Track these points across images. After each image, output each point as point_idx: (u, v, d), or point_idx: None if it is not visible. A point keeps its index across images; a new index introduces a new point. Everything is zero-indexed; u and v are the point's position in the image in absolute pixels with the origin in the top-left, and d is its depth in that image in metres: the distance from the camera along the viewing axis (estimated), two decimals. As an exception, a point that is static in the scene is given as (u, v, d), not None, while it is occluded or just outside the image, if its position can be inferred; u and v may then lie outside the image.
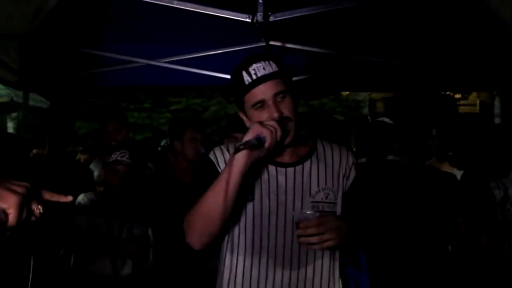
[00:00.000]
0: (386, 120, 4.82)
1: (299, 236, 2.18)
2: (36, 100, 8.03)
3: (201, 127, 4.57)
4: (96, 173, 4.67)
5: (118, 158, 3.99)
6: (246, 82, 2.18)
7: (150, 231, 4.44)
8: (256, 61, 2.20)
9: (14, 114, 11.05)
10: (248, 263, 2.32)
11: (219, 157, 2.34)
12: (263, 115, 2.19)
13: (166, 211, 4.39)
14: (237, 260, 2.35)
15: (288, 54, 5.44)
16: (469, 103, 16.61)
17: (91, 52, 5.35)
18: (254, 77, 2.17)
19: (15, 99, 9.32)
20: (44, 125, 4.47)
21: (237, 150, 2.06)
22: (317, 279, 2.35)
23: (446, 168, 5.05)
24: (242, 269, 2.33)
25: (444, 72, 5.45)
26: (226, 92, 13.25)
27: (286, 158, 2.36)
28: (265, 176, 2.32)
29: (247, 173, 2.14)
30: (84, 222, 3.88)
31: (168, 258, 4.35)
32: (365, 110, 16.64)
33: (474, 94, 16.02)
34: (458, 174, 4.94)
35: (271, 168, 2.33)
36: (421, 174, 4.23)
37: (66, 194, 4.17)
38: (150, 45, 5.49)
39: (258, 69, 2.18)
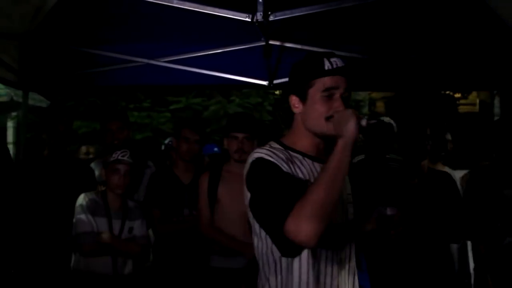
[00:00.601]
0: (386, 119, 4.82)
1: (392, 228, 2.37)
2: (36, 99, 8.02)
3: (199, 127, 4.56)
4: (97, 173, 4.67)
5: (119, 158, 3.99)
6: (326, 68, 2.26)
7: (150, 231, 4.45)
8: (336, 56, 2.31)
9: (13, 114, 11.03)
10: (311, 261, 2.30)
11: (273, 156, 2.29)
12: (329, 105, 2.26)
13: (164, 209, 4.40)
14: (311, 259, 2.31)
15: (287, 54, 5.44)
16: (469, 102, 16.63)
17: (91, 51, 5.34)
18: (335, 66, 2.27)
19: (14, 98, 9.30)
20: (42, 126, 4.48)
21: (369, 125, 2.15)
22: (355, 277, 2.47)
23: (439, 168, 5.06)
24: (307, 268, 2.30)
25: (444, 71, 5.45)
26: (226, 91, 13.29)
27: (317, 154, 2.39)
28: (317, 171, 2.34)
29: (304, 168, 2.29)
30: (85, 222, 3.88)
31: (168, 258, 4.36)
32: (365, 109, 16.66)
33: (474, 93, 16.04)
34: (451, 173, 4.94)
35: (317, 165, 2.35)
36: (419, 173, 4.24)
37: (67, 194, 4.19)
38: (150, 45, 5.49)
39: (338, 62, 2.28)
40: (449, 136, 5.70)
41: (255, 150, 2.35)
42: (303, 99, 2.32)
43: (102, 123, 4.81)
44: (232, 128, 4.10)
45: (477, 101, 16.57)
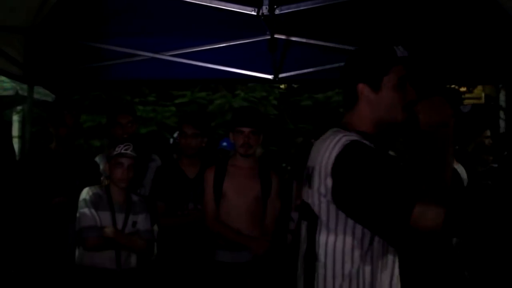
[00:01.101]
0: None
1: None
2: (41, 93, 8.04)
3: (199, 121, 4.52)
4: (102, 166, 4.67)
5: (122, 151, 3.99)
6: (399, 55, 2.21)
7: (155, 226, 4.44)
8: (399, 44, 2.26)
9: (19, 108, 11.05)
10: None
11: (368, 143, 2.18)
12: (402, 93, 2.21)
13: (168, 202, 4.40)
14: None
15: (293, 47, 5.43)
16: (474, 96, 16.55)
17: (96, 45, 5.35)
18: (405, 54, 2.22)
19: (20, 92, 9.32)
20: (50, 119, 4.47)
21: (474, 109, 2.16)
22: None
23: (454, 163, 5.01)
24: (393, 260, 2.25)
25: (449, 65, 5.43)
26: (231, 85, 13.26)
27: None
28: None
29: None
30: (88, 216, 3.88)
31: (174, 252, 4.36)
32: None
33: (479, 87, 15.96)
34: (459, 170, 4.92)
35: None
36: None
37: (71, 187, 4.19)
38: (155, 39, 5.48)
39: (404, 50, 2.23)
40: (488, 132, 5.63)
41: (341, 134, 2.19)
42: (376, 87, 2.22)
43: (111, 117, 4.78)
44: (237, 122, 4.09)
45: (483, 95, 16.49)
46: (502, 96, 12.77)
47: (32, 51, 5.28)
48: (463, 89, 15.48)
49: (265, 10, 3.79)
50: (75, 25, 5.11)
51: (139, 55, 5.53)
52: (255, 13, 3.85)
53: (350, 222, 2.12)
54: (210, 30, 5.24)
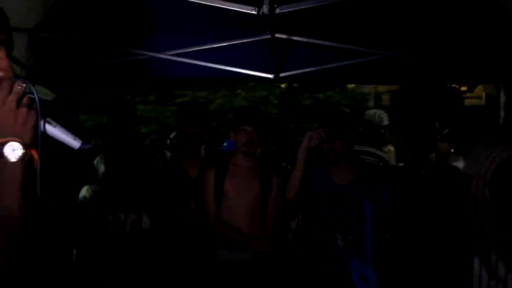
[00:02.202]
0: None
1: None
2: (42, 93, 8.03)
3: (199, 120, 4.52)
4: (102, 167, 4.66)
5: None
6: None
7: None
8: None
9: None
10: None
11: None
12: None
13: (168, 201, 4.40)
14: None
15: (294, 47, 5.43)
16: (475, 95, 16.55)
17: (97, 44, 5.34)
18: None
19: (20, 92, 9.32)
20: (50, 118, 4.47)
21: None
22: None
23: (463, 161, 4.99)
24: None
25: (449, 64, 5.43)
26: (231, 84, 13.26)
27: None
28: None
29: None
30: (88, 214, 3.89)
31: (174, 251, 4.37)
32: (371, 103, 16.60)
33: (480, 86, 15.96)
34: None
35: None
36: (427, 166, 4.23)
37: (69, 187, 4.17)
38: (156, 38, 5.47)
39: None
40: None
41: (501, 147, 2.26)
42: None
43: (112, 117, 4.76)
44: (240, 121, 4.09)
45: (483, 94, 16.49)
46: (502, 96, 12.78)
47: (33, 50, 5.27)
48: (463, 88, 15.49)
49: (265, 9, 3.79)
50: (76, 24, 5.10)
51: (140, 55, 5.52)
52: (256, 13, 3.85)
53: (505, 229, 2.19)
54: (210, 30, 5.24)
